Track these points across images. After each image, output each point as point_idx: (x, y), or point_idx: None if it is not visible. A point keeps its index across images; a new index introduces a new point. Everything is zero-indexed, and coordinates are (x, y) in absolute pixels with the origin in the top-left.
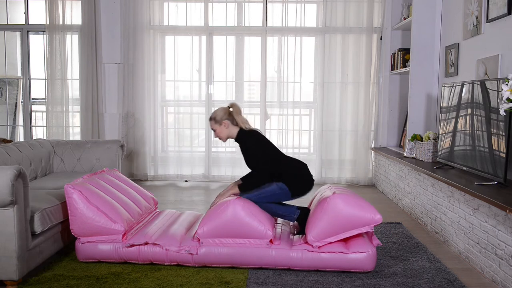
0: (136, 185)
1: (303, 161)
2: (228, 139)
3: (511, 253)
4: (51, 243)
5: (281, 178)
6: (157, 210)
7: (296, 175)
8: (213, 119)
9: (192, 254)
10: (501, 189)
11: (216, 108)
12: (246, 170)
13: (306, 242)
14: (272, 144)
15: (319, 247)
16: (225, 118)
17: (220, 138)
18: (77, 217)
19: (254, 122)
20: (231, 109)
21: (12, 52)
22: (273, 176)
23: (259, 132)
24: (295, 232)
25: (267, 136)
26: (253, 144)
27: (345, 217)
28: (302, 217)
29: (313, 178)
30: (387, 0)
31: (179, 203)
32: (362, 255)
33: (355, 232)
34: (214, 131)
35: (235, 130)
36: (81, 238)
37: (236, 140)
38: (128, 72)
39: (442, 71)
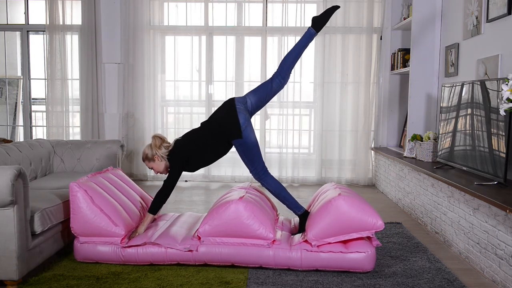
0: (138, 186)
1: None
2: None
3: (511, 253)
4: (51, 243)
5: (228, 142)
6: None
7: (225, 128)
8: (145, 159)
9: (191, 250)
10: (501, 189)
11: (214, 108)
12: (245, 170)
13: (306, 241)
14: (196, 130)
15: (317, 246)
16: (155, 153)
17: (161, 173)
18: (79, 216)
19: (254, 122)
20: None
21: (12, 52)
22: (226, 145)
23: (178, 140)
24: (294, 231)
25: (267, 136)
26: (172, 168)
27: (347, 220)
28: (303, 217)
29: (231, 106)
30: (387, 0)
31: (179, 203)
32: (361, 255)
33: (355, 235)
34: (152, 169)
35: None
36: (80, 237)
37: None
38: (128, 72)
39: (442, 71)
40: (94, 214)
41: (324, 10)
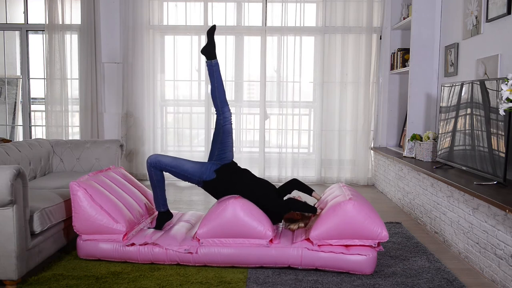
0: (140, 184)
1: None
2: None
3: (511, 252)
4: (51, 243)
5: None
6: None
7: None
8: None
9: (191, 253)
10: (501, 189)
11: (214, 108)
12: None
13: (308, 239)
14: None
15: (319, 245)
16: None
17: None
18: (80, 214)
19: (253, 122)
20: None
21: (12, 52)
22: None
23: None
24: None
25: (266, 136)
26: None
27: (353, 225)
28: (164, 215)
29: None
30: None
31: (179, 203)
32: (362, 258)
33: (357, 242)
34: None
35: None
36: (83, 235)
37: None
38: (128, 71)
39: (442, 71)
40: (95, 212)
41: (207, 34)
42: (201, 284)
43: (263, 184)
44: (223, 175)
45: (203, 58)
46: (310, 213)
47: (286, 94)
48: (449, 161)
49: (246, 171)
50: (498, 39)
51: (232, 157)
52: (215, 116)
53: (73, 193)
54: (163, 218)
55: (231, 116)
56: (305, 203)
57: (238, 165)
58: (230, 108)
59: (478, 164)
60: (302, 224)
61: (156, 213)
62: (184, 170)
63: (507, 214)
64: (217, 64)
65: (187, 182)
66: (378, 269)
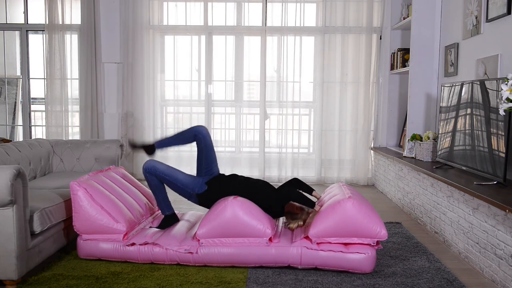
0: (140, 184)
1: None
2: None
3: (511, 252)
4: (51, 243)
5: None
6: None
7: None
8: None
9: (191, 253)
10: (501, 189)
11: (215, 108)
12: (245, 170)
13: (307, 237)
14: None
15: (318, 243)
16: None
17: None
18: (81, 214)
19: (253, 122)
20: None
21: (12, 52)
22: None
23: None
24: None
25: (266, 136)
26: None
27: (352, 223)
28: (169, 218)
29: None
30: None
31: (179, 203)
32: (361, 256)
33: (356, 240)
34: None
35: None
36: (83, 235)
37: None
38: (128, 71)
39: (442, 71)
40: (95, 211)
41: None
42: (201, 284)
43: (255, 181)
44: (214, 186)
45: (203, 58)
46: (309, 206)
47: (286, 94)
48: (449, 161)
49: (233, 176)
50: (498, 39)
51: (218, 170)
52: (214, 116)
53: (74, 193)
54: (169, 221)
55: (206, 130)
56: (304, 196)
57: (232, 171)
58: (230, 108)
59: (478, 164)
60: (301, 223)
61: (157, 212)
62: (177, 180)
63: (507, 214)
64: (160, 146)
65: (179, 195)
66: (378, 269)
